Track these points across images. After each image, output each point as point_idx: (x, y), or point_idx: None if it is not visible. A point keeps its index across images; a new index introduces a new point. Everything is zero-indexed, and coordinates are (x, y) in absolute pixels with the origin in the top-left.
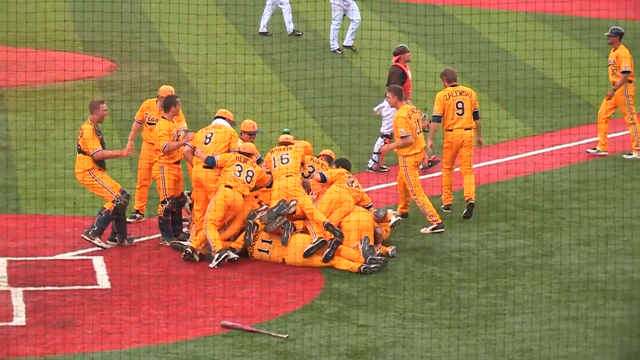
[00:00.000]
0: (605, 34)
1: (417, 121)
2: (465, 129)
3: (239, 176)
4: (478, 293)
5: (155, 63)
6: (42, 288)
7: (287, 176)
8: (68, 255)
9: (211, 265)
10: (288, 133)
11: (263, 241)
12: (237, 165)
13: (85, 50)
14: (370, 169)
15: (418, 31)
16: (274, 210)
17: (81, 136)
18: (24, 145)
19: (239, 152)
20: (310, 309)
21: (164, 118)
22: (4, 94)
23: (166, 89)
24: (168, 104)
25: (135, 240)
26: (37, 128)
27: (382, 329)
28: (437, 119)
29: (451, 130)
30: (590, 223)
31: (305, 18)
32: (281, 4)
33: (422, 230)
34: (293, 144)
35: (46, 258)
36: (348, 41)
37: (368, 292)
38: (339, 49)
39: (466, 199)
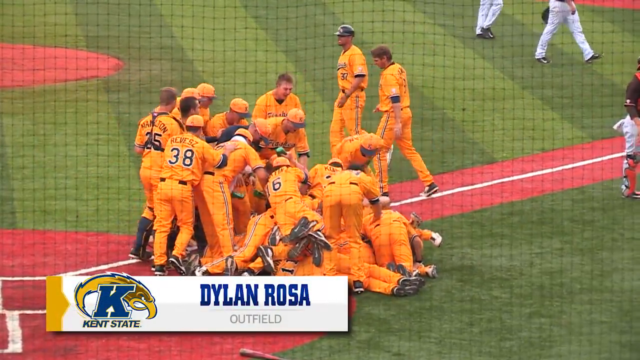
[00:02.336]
0: (335, 33)
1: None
2: (409, 107)
3: (175, 162)
4: (526, 318)
5: (167, 61)
6: (40, 311)
7: (286, 200)
8: (70, 275)
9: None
10: (283, 153)
11: (287, 260)
12: (172, 149)
13: (88, 46)
14: (623, 194)
15: (457, 24)
16: (295, 231)
17: (164, 130)
18: (20, 152)
19: (188, 128)
20: (339, 335)
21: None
22: None
23: (240, 103)
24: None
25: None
26: (35, 133)
27: (419, 358)
28: (398, 99)
29: (402, 108)
30: None
31: (332, 10)
32: (493, 3)
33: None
34: (287, 165)
35: (45, 278)
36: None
37: (404, 317)
38: (544, 58)
39: (429, 182)
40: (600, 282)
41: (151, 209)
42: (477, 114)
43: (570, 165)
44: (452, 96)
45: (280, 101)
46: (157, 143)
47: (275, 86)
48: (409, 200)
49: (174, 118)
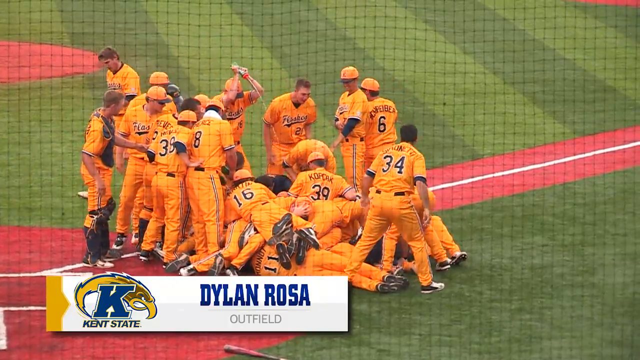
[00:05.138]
0: None
1: None
2: None
3: (164, 153)
4: (511, 314)
5: (152, 57)
6: (25, 308)
7: (263, 204)
8: (54, 272)
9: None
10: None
11: (269, 258)
12: (161, 141)
13: (73, 43)
14: None
15: (439, 19)
16: (278, 225)
17: (88, 130)
18: (4, 149)
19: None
20: (324, 332)
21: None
22: None
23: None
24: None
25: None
26: (19, 130)
27: (404, 354)
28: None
29: None
30: (638, 236)
31: (316, 6)
32: None
33: None
34: (251, 178)
35: (30, 275)
36: None
37: (389, 313)
38: None
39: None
40: (585, 278)
41: (90, 212)
42: (461, 110)
43: (554, 161)
44: (435, 91)
45: (297, 105)
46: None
47: (295, 89)
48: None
49: (104, 120)
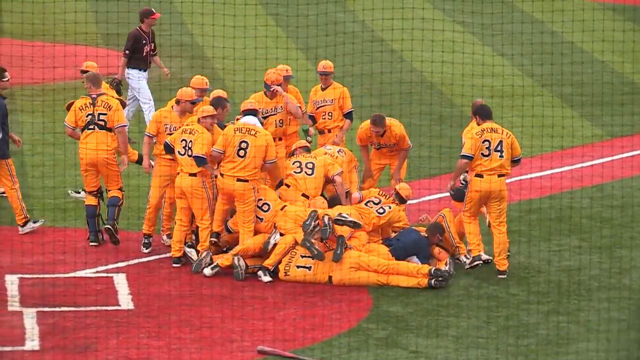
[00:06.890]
0: None
1: None
2: None
3: (184, 154)
4: (545, 316)
5: (185, 58)
6: (57, 309)
7: (282, 209)
8: (87, 273)
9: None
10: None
11: (302, 257)
12: (181, 140)
13: (107, 44)
14: None
15: (473, 21)
16: (307, 223)
17: (109, 109)
18: (39, 149)
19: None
20: (357, 333)
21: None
22: (16, 93)
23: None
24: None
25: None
26: (54, 131)
27: (436, 356)
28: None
29: None
30: None
31: (352, 8)
32: None
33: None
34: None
35: (63, 275)
36: None
37: (421, 315)
38: None
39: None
40: (618, 279)
41: (90, 192)
42: (496, 112)
43: (589, 163)
44: (470, 93)
45: (380, 134)
46: (101, 123)
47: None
48: (427, 198)
49: (113, 96)
